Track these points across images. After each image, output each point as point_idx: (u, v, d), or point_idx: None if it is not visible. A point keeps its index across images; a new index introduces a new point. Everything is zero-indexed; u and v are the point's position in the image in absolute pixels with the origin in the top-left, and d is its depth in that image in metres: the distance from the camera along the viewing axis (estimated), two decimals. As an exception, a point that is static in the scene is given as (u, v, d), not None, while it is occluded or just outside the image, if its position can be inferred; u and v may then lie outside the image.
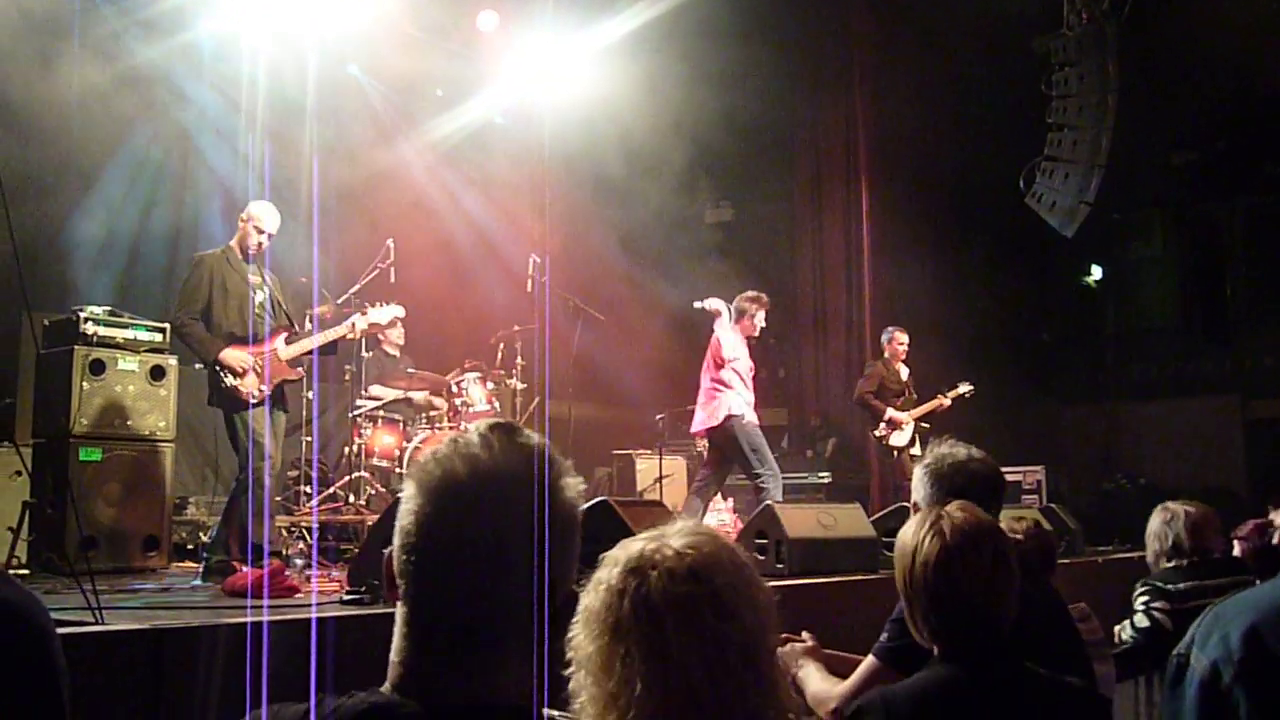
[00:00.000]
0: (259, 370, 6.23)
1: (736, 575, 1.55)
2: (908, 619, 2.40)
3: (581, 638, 1.53)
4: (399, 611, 1.37)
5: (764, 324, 8.52)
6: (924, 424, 9.83)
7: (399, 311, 7.12)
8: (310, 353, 6.58)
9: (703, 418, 8.25)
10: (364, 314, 6.88)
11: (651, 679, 1.47)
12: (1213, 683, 1.53)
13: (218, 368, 6.19)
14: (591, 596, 1.55)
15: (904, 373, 10.14)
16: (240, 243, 6.47)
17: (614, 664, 1.49)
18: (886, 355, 10.17)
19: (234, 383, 6.16)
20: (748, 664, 1.51)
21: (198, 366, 8.56)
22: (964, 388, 10.10)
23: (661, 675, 1.47)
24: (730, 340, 8.26)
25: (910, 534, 2.36)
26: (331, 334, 6.68)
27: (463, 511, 1.33)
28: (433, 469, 1.36)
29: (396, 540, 1.37)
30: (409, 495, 1.37)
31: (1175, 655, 1.62)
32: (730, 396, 8.11)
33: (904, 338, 10.12)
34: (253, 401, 6.17)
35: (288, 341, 6.47)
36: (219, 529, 6.28)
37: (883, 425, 9.88)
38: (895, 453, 9.95)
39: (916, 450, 9.86)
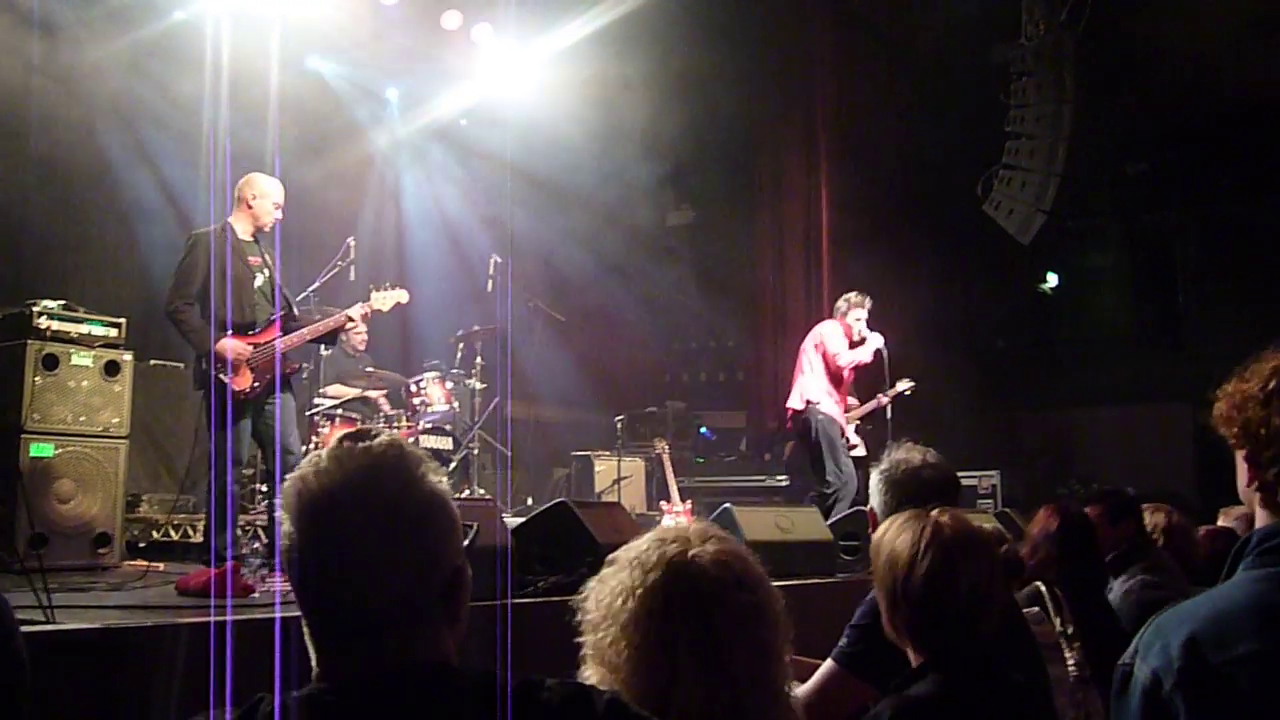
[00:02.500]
0: (253, 364, 5.89)
1: (770, 587, 1.63)
2: (887, 624, 2.36)
3: (613, 638, 1.57)
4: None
5: (863, 324, 8.56)
6: (865, 425, 9.75)
7: (403, 296, 6.73)
8: (311, 343, 6.34)
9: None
10: (366, 300, 6.56)
11: (703, 678, 1.52)
12: (1154, 691, 1.57)
13: (209, 360, 5.79)
14: (623, 600, 1.58)
15: None
16: (251, 221, 6.09)
17: (659, 662, 1.53)
18: None
19: (225, 377, 5.75)
20: (779, 668, 1.59)
21: (153, 363, 8.51)
22: (903, 385, 9.80)
23: (711, 676, 1.52)
24: (833, 334, 8.49)
25: (901, 541, 2.30)
26: (331, 322, 6.34)
27: (318, 522, 1.45)
28: (291, 492, 1.49)
29: (286, 561, 1.50)
30: (283, 519, 1.49)
31: (1120, 665, 1.66)
32: (814, 390, 8.38)
33: None
34: (243, 397, 5.80)
35: (283, 332, 6.08)
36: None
37: None
38: None
39: (861, 452, 9.80)
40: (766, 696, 1.54)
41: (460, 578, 1.48)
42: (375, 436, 1.50)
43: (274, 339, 6.04)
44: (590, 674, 1.57)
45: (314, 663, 1.46)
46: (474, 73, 11.34)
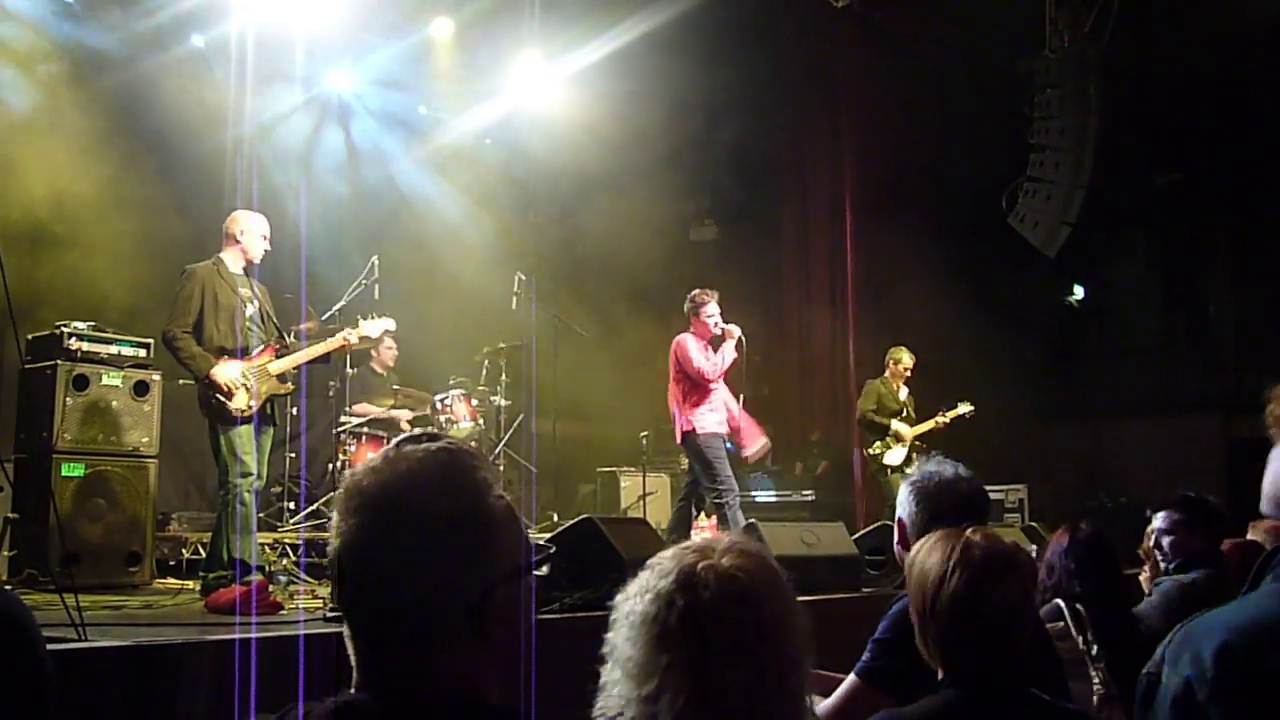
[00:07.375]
0: (249, 387, 6.12)
1: (781, 602, 1.59)
2: (919, 642, 2.32)
3: (623, 639, 1.56)
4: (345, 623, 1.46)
5: (718, 317, 7.94)
6: (919, 444, 9.77)
7: (390, 324, 7.02)
8: (299, 367, 6.51)
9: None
10: (355, 327, 6.79)
11: (691, 692, 1.50)
12: (1186, 701, 1.54)
13: (208, 384, 6.06)
14: (636, 601, 1.57)
15: (903, 393, 10.10)
16: (241, 255, 6.35)
17: (654, 671, 1.52)
18: (887, 374, 10.14)
19: (223, 400, 6.03)
20: (782, 689, 1.54)
21: (181, 382, 8.58)
22: (964, 408, 9.91)
23: (700, 690, 1.50)
24: (691, 347, 7.91)
25: (931, 560, 2.27)
26: (320, 348, 6.57)
27: (359, 522, 1.42)
28: (342, 490, 1.47)
29: (330, 560, 1.47)
30: (333, 517, 1.47)
31: (1145, 674, 1.63)
32: (691, 410, 7.85)
33: (909, 359, 10.07)
34: (240, 418, 6.05)
35: (277, 355, 6.36)
36: (212, 546, 6.15)
37: (878, 443, 9.85)
38: (888, 472, 9.88)
39: (910, 470, 9.79)
40: (763, 715, 1.52)
41: (492, 598, 1.40)
42: (433, 439, 1.47)
43: (267, 362, 6.30)
44: (604, 669, 1.57)
45: (353, 661, 1.44)
46: (499, 90, 11.41)
